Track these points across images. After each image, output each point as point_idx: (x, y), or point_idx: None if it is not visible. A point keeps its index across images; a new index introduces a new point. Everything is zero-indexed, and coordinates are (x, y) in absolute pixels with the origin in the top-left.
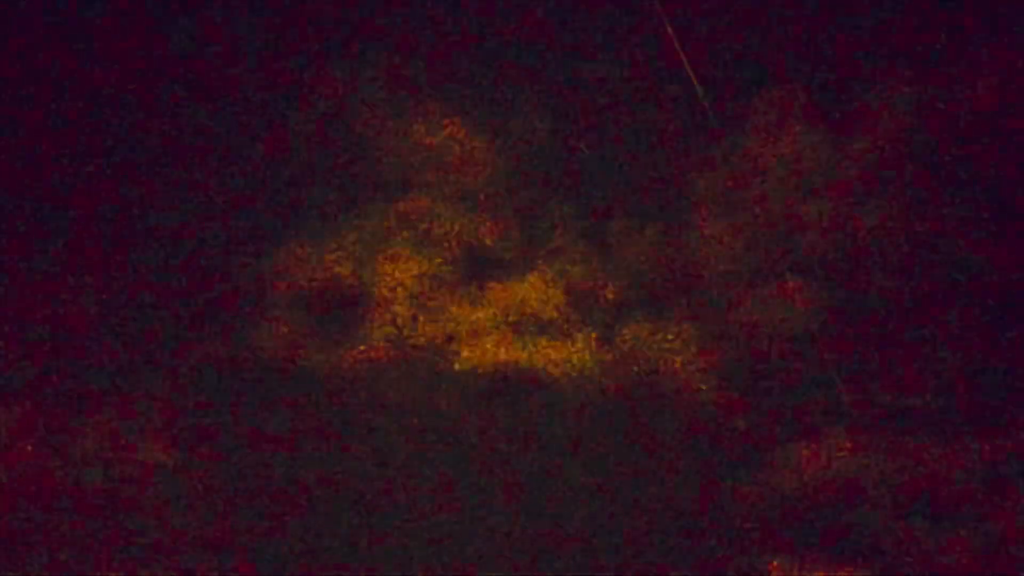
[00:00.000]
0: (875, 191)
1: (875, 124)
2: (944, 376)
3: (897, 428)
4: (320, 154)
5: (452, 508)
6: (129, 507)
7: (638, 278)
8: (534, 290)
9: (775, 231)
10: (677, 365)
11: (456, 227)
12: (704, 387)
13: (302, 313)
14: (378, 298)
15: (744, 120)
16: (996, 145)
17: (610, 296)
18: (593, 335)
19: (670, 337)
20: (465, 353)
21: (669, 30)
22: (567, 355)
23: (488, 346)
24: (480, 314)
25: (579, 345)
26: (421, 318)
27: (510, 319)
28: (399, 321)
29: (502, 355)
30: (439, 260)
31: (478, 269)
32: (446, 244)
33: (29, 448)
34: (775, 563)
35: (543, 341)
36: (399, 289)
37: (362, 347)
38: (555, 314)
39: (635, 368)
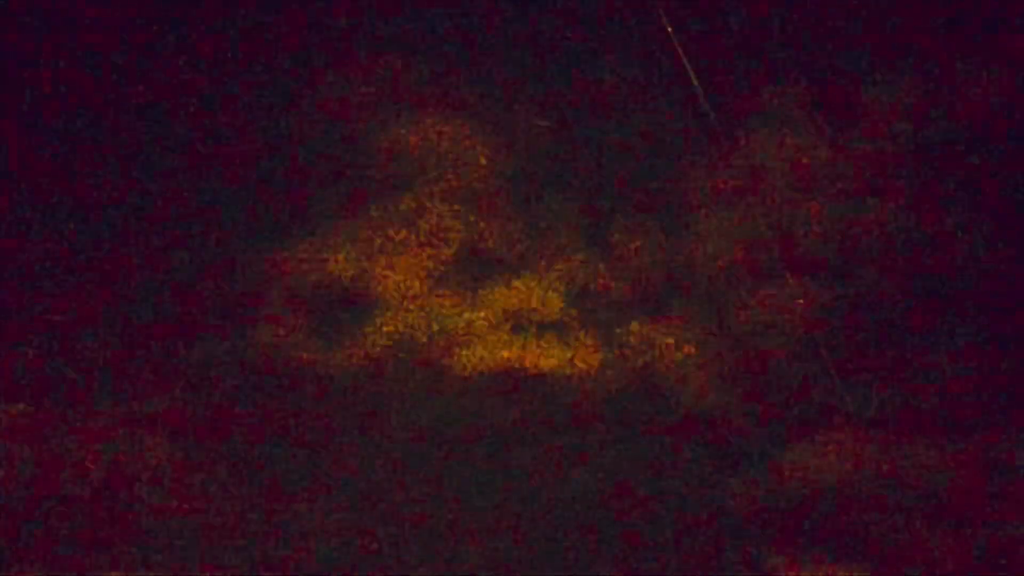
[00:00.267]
0: (875, 191)
1: (875, 124)
2: (944, 376)
3: (897, 428)
4: (320, 154)
5: (452, 508)
6: (129, 507)
7: (639, 278)
8: (534, 290)
9: (775, 231)
10: (677, 365)
11: (456, 227)
12: (704, 387)
13: (302, 313)
14: (378, 298)
15: (744, 120)
16: (997, 145)
17: (611, 296)
18: (594, 335)
19: (671, 337)
20: (465, 353)
21: (669, 30)
22: (568, 355)
23: (488, 346)
24: (480, 314)
25: (580, 345)
26: (421, 318)
27: (510, 319)
28: (399, 321)
29: (502, 355)
30: (439, 260)
31: (478, 269)
32: (446, 244)
33: (29, 448)
34: (775, 563)
35: (543, 341)
36: (399, 289)
37: (362, 347)
38: (556, 314)
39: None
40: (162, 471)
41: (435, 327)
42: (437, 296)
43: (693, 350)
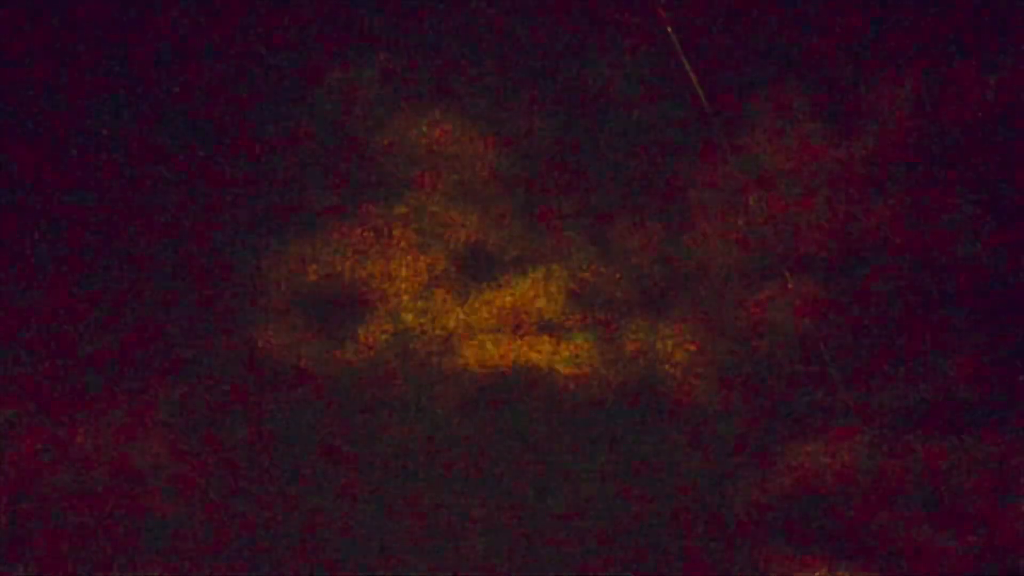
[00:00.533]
0: (876, 191)
1: (875, 124)
2: (945, 376)
3: (897, 428)
4: (320, 154)
5: (452, 507)
6: (129, 507)
7: (640, 277)
8: (535, 289)
9: (776, 230)
10: (678, 364)
11: (456, 227)
12: (704, 387)
13: (302, 313)
14: (378, 298)
15: (744, 120)
16: (997, 145)
17: (611, 295)
18: (594, 334)
19: (671, 337)
20: (465, 353)
21: (669, 30)
22: (568, 354)
23: (488, 346)
24: (480, 314)
25: (580, 344)
26: (421, 318)
27: (511, 318)
28: (399, 321)
29: (502, 355)
30: (439, 260)
31: (478, 269)
32: (446, 244)
33: (29, 448)
34: (775, 563)
35: (544, 340)
36: (399, 289)
37: (362, 347)
38: (556, 313)
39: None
40: (162, 471)
41: (435, 327)
42: (437, 296)
43: (693, 350)
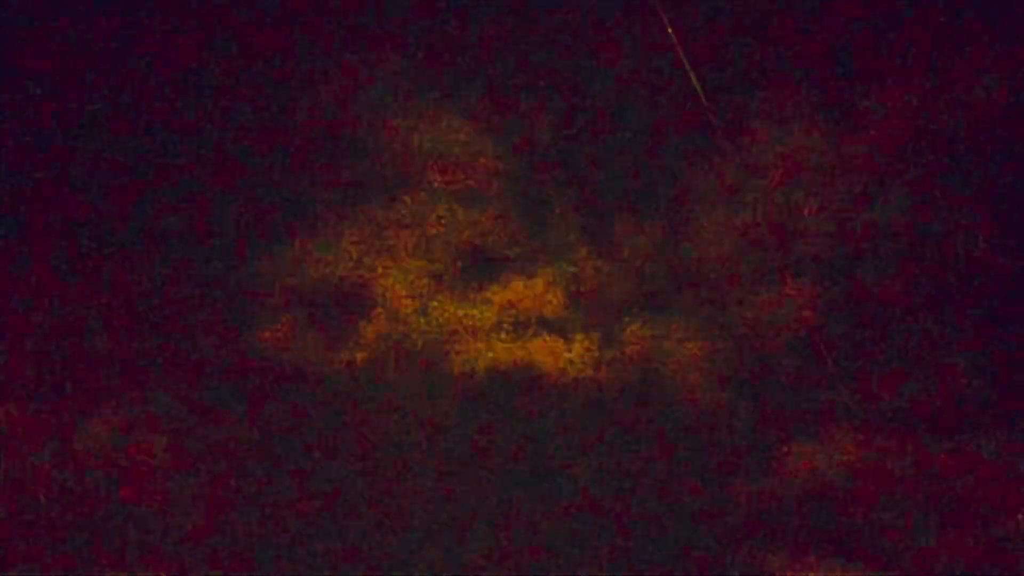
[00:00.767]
0: (876, 191)
1: (875, 124)
2: (945, 376)
3: (897, 428)
4: (320, 154)
5: (452, 508)
6: (129, 507)
7: (640, 277)
8: (535, 289)
9: (776, 230)
10: (678, 364)
11: (456, 227)
12: (704, 387)
13: (302, 313)
14: (378, 298)
15: (744, 120)
16: (997, 145)
17: (612, 295)
18: (594, 334)
19: (671, 337)
20: (465, 352)
21: (670, 30)
22: (568, 354)
23: (488, 346)
24: (480, 313)
25: (580, 344)
26: (421, 318)
27: (511, 318)
28: (399, 320)
29: (503, 355)
30: (439, 260)
31: (478, 269)
32: (446, 244)
33: (29, 448)
34: (775, 563)
35: (544, 340)
36: (399, 289)
37: (362, 347)
38: (556, 313)
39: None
40: (162, 471)
41: (435, 326)
42: (437, 295)
43: (693, 350)
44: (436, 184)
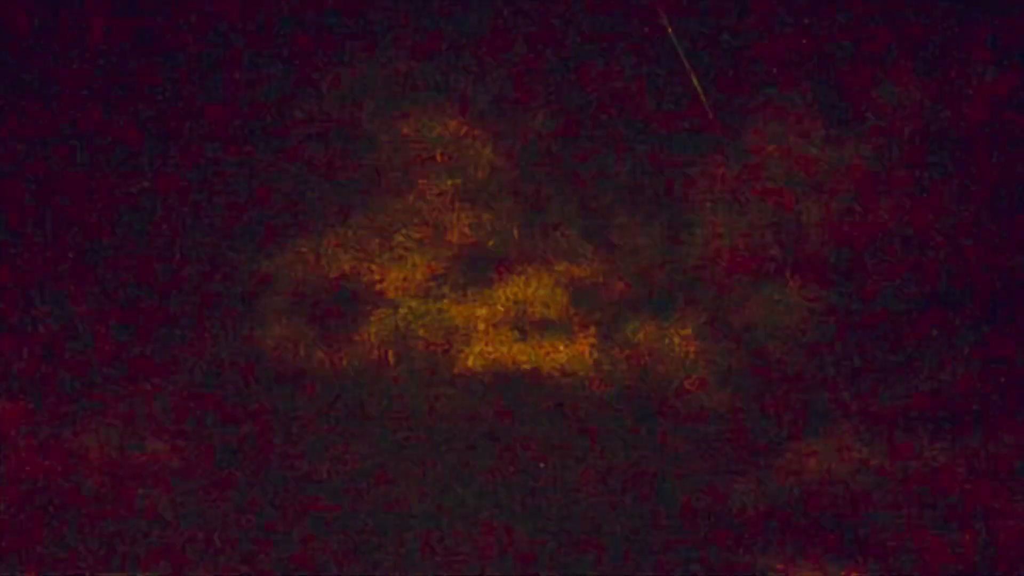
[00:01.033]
0: (877, 191)
1: (876, 124)
2: (945, 376)
3: (897, 428)
4: (320, 154)
5: (452, 508)
6: (129, 507)
7: (641, 277)
8: (536, 289)
9: (777, 230)
10: (678, 364)
11: (457, 226)
12: (705, 387)
13: (302, 313)
14: (378, 298)
15: (745, 120)
16: (997, 145)
17: (613, 295)
18: (596, 334)
19: (671, 337)
20: (465, 353)
21: (669, 30)
22: (569, 354)
23: (489, 346)
24: (481, 314)
25: (581, 344)
26: (421, 318)
27: (511, 318)
28: (399, 321)
29: (503, 355)
30: (439, 259)
31: (478, 269)
32: (446, 243)
33: (29, 448)
34: (775, 563)
35: (545, 340)
36: (399, 289)
37: (362, 347)
38: (557, 313)
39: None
40: (162, 471)
41: (435, 326)
42: (437, 295)
43: (693, 350)
44: (436, 184)
